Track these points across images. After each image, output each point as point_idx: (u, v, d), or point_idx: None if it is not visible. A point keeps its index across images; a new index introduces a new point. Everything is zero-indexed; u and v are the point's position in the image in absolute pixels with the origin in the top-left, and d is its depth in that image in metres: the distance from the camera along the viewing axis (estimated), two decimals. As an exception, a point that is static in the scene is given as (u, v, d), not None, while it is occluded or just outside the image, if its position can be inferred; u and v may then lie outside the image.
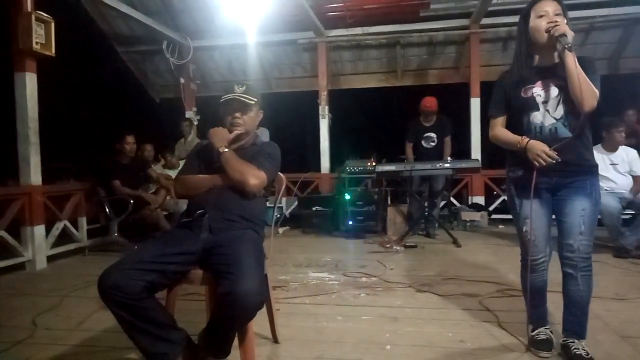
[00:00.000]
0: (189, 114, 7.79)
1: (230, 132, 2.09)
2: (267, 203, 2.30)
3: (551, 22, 1.93)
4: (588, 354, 1.98)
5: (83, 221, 5.04)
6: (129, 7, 6.07)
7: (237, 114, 2.10)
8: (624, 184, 4.31)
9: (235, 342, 1.78)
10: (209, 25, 7.15)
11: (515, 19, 6.45)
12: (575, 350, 2.01)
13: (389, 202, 6.25)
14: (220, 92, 2.16)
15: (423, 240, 5.37)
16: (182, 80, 7.77)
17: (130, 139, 5.03)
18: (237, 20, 6.60)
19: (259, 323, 2.17)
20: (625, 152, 4.39)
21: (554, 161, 1.94)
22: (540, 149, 1.95)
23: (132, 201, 4.72)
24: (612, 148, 4.35)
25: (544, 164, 1.94)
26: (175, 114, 7.88)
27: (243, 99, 2.09)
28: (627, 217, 4.44)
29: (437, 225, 5.58)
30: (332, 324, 2.58)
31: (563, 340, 2.09)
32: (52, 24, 4.27)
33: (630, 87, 6.57)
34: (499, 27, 6.83)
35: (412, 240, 5.15)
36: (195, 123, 7.61)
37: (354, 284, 3.42)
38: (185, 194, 2.06)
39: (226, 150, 1.99)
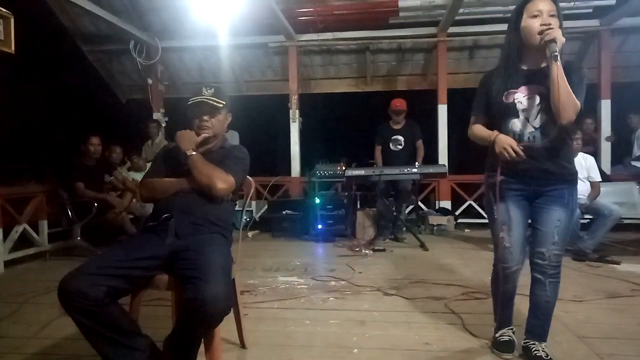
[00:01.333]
0: (156, 115, 7.64)
1: (198, 135, 2.06)
2: (236, 207, 2.29)
3: (544, 24, 1.84)
4: (547, 355, 2.05)
5: (44, 225, 4.85)
6: (95, 5, 5.91)
7: (205, 117, 2.08)
8: (582, 190, 4.48)
9: (202, 348, 1.76)
10: (178, 25, 7.05)
11: (482, 28, 6.61)
12: (535, 352, 2.07)
13: (359, 206, 6.30)
14: (189, 94, 2.13)
15: (391, 244, 5.43)
16: (149, 81, 7.62)
17: (95, 140, 4.89)
18: (207, 22, 6.53)
19: (226, 328, 2.15)
20: (583, 159, 4.58)
21: (519, 158, 1.92)
22: (507, 143, 1.93)
23: (96, 204, 4.59)
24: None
25: (509, 158, 1.93)
26: (142, 116, 7.72)
27: (211, 102, 2.07)
28: (585, 221, 4.62)
29: (405, 229, 5.66)
30: (300, 328, 2.57)
31: (524, 342, 2.15)
32: (12, 20, 4.09)
33: (588, 96, 6.80)
34: (465, 36, 7.02)
35: (381, 244, 5.21)
36: (163, 125, 7.49)
37: (322, 288, 3.43)
38: (151, 197, 2.02)
39: (193, 153, 1.97)
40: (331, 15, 6.67)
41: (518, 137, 1.99)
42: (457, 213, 6.72)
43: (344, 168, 5.84)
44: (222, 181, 1.93)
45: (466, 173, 6.91)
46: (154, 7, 6.93)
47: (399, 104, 5.71)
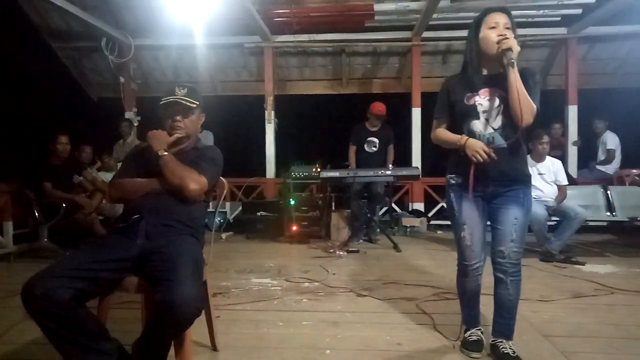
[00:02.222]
0: (128, 114, 7.50)
1: (171, 135, 2.03)
2: (209, 208, 2.26)
3: (501, 35, 1.98)
4: (515, 352, 2.10)
5: (9, 226, 4.70)
6: (65, 1, 5.77)
7: (178, 117, 2.05)
8: (549, 193, 4.63)
9: (171, 351, 1.73)
10: (152, 24, 6.93)
11: (455, 33, 6.75)
12: (503, 349, 2.12)
13: (333, 208, 6.33)
14: (163, 93, 2.10)
15: (365, 245, 5.48)
16: (121, 80, 7.49)
17: (63, 138, 4.76)
18: (182, 21, 6.44)
19: (197, 331, 2.13)
20: (551, 163, 4.72)
21: (491, 159, 2.00)
22: (479, 146, 2.01)
23: (64, 205, 4.47)
24: (539, 159, 4.66)
25: (482, 160, 2.00)
26: (114, 114, 7.56)
27: (184, 102, 2.04)
28: (552, 223, 4.76)
29: (378, 230, 5.72)
30: (273, 330, 2.57)
31: (492, 341, 2.20)
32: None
33: (555, 102, 7.08)
34: (439, 40, 7.16)
35: (355, 245, 5.24)
36: (136, 124, 7.36)
37: (296, 290, 3.43)
38: (121, 198, 1.98)
39: (165, 153, 1.94)
40: (307, 17, 6.69)
41: (478, 138, 2.08)
42: (429, 215, 6.83)
43: (319, 170, 5.86)
44: (195, 182, 1.91)
45: (439, 175, 7.03)
46: (128, 5, 6.81)
47: (381, 109, 5.77)
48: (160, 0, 6.15)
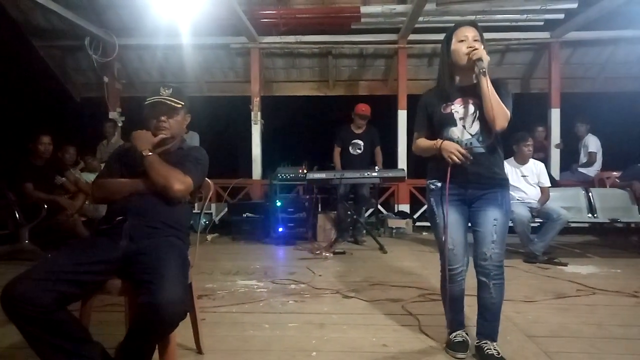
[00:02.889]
0: (112, 114, 7.41)
1: (156, 135, 2.01)
2: (195, 209, 2.24)
3: (470, 47, 2.08)
4: (499, 353, 2.12)
5: (-12, 227, 4.60)
6: (48, -1, 5.68)
7: (163, 118, 2.03)
8: (533, 194, 4.69)
9: (156, 354, 1.71)
10: (136, 23, 6.86)
11: (440, 37, 6.82)
12: (487, 350, 2.14)
13: (320, 209, 6.33)
14: (148, 93, 2.08)
15: (351, 246, 5.49)
16: (105, 79, 7.39)
17: (45, 139, 4.68)
18: (168, 20, 6.38)
19: (182, 334, 2.10)
20: (534, 165, 4.79)
21: (467, 160, 2.07)
22: (454, 147, 2.09)
23: (45, 206, 4.39)
24: (522, 161, 4.73)
25: (458, 161, 2.07)
26: (97, 115, 7.46)
27: (169, 102, 2.03)
28: (535, 225, 4.83)
29: (364, 232, 5.74)
30: (259, 333, 2.55)
31: (477, 343, 2.22)
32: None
33: (539, 105, 7.19)
34: (425, 43, 7.22)
35: (341, 247, 5.25)
36: (120, 124, 7.28)
37: (282, 291, 3.42)
38: (104, 198, 1.95)
39: (150, 154, 1.92)
40: (294, 19, 6.69)
41: (457, 143, 2.14)
42: (415, 216, 6.88)
43: (305, 171, 5.86)
44: (180, 182, 1.89)
45: (425, 177, 7.06)
46: (112, 4, 6.73)
47: (365, 109, 5.81)
48: (146, 0, 6.08)
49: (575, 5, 6.17)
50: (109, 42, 7.07)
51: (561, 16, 6.49)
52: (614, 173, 6.14)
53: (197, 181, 2.01)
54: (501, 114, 2.03)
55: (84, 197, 4.87)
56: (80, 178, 5.23)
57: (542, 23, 6.72)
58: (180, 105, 2.06)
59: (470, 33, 2.13)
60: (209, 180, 2.21)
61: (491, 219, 2.12)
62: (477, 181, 2.15)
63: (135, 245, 1.78)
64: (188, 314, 1.79)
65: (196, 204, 2.29)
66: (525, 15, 6.45)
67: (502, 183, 2.19)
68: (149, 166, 1.89)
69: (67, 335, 1.57)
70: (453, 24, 2.23)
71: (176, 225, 1.93)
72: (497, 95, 2.04)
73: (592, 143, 6.75)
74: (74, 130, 7.83)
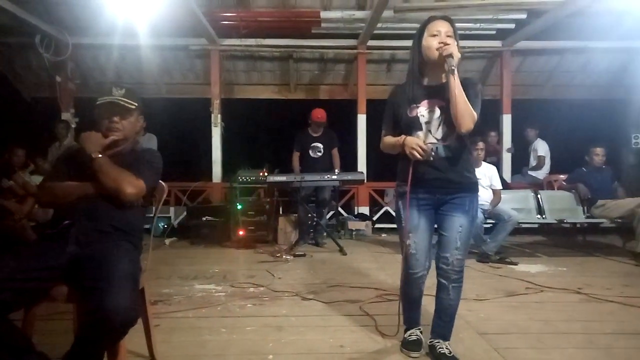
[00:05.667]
0: (65, 115, 7.14)
1: (107, 137, 1.96)
2: (151, 213, 2.19)
3: (442, 42, 2.01)
4: (451, 352, 2.18)
5: None
6: (-8, -7, 5.42)
7: (116, 119, 1.98)
8: (485, 197, 4.86)
9: (106, 362, 1.67)
10: (91, 21, 6.61)
11: (398, 43, 6.96)
12: (440, 349, 2.19)
13: (281, 212, 6.32)
14: (99, 93, 2.02)
15: (312, 249, 5.51)
16: (58, 79, 7.11)
17: (-10, 140, 4.46)
18: (124, 19, 6.19)
19: (134, 341, 2.07)
20: (487, 168, 4.98)
21: (428, 156, 2.04)
22: (415, 143, 2.03)
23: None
24: (476, 164, 4.89)
25: (419, 157, 2.03)
26: (49, 115, 7.16)
27: (123, 103, 1.97)
28: (488, 226, 5.01)
29: (325, 234, 5.77)
30: (215, 337, 2.52)
31: (430, 341, 2.27)
32: None
33: (491, 111, 7.47)
34: (383, 49, 7.35)
35: (302, 250, 5.26)
36: (73, 126, 7.01)
37: (241, 295, 3.39)
38: (51, 202, 1.88)
39: (99, 156, 1.86)
40: (255, 22, 6.66)
41: None
42: (374, 218, 6.98)
43: (266, 174, 5.84)
44: (131, 186, 1.84)
45: (384, 180, 7.21)
46: (64, 1, 6.47)
47: (321, 115, 5.86)
48: (100, -2, 5.89)
49: (524, 16, 6.46)
50: (62, 40, 6.81)
51: (512, 26, 6.78)
52: (561, 176, 6.45)
53: (150, 184, 1.96)
54: (467, 114, 1.97)
55: (33, 201, 4.67)
56: (29, 181, 5.01)
57: (494, 32, 6.99)
58: (133, 107, 2.02)
59: (443, 28, 2.05)
60: (163, 183, 2.16)
61: (457, 225, 2.12)
62: (445, 186, 2.12)
63: (83, 250, 1.72)
64: (140, 320, 1.75)
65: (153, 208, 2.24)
66: (479, 25, 6.69)
67: (472, 187, 2.17)
68: (99, 169, 1.84)
69: (8, 347, 1.51)
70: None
71: (127, 229, 1.88)
72: (464, 95, 1.97)
73: (541, 147, 7.09)
74: (24, 131, 7.47)
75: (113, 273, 1.58)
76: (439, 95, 2.09)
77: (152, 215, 2.33)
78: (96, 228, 1.79)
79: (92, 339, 1.56)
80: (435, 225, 2.25)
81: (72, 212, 1.80)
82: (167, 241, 5.94)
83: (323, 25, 6.67)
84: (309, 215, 5.67)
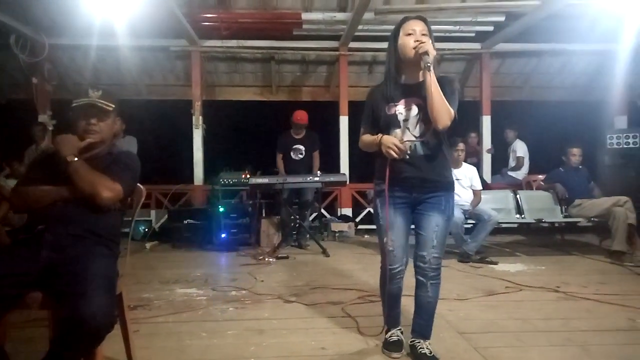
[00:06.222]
0: (42, 117, 6.98)
1: (83, 139, 1.92)
2: (130, 217, 2.15)
3: (417, 40, 2.05)
4: (431, 352, 2.20)
5: None
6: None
7: (93, 121, 1.95)
8: (466, 197, 4.93)
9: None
10: (68, 22, 6.47)
11: (380, 45, 7.00)
12: (420, 349, 2.21)
13: (264, 215, 6.30)
14: (75, 95, 1.99)
15: (295, 251, 5.51)
16: (34, 80, 6.94)
17: (-38, 144, 4.34)
18: (102, 20, 6.08)
19: (112, 347, 2.03)
20: (467, 169, 5.04)
21: (404, 154, 2.06)
22: (391, 142, 2.06)
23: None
24: (455, 165, 4.94)
25: (395, 155, 2.05)
26: (26, 118, 7.00)
27: (100, 105, 1.95)
28: (468, 226, 5.07)
29: (308, 236, 5.77)
30: (196, 342, 2.50)
31: (411, 341, 2.28)
32: None
33: (471, 113, 7.57)
34: (365, 51, 7.38)
35: (285, 252, 5.25)
36: (50, 128, 6.86)
37: (222, 299, 3.36)
38: (25, 206, 1.83)
39: (75, 159, 1.82)
40: (236, 23, 6.61)
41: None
42: (357, 220, 7.00)
43: (248, 176, 5.81)
44: (108, 189, 1.81)
45: (367, 181, 7.23)
46: (41, 1, 6.33)
47: (301, 117, 5.87)
48: (77, -2, 5.78)
49: (502, 19, 6.56)
50: (38, 41, 6.67)
51: (490, 28, 6.87)
52: (540, 176, 6.56)
53: (127, 188, 1.93)
54: (444, 111, 1.99)
55: (7, 205, 4.54)
56: (4, 185, 4.88)
57: (473, 35, 7.08)
58: (111, 108, 1.99)
59: (418, 27, 2.10)
60: (141, 186, 2.13)
61: (433, 224, 2.15)
62: (422, 185, 2.15)
63: (58, 255, 1.69)
64: (118, 326, 1.72)
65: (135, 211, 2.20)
66: (458, 27, 6.76)
67: (448, 187, 2.21)
68: (74, 173, 1.80)
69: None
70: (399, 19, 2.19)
71: (104, 233, 1.85)
72: (441, 93, 2.00)
73: (520, 148, 7.21)
74: (-2, 134, 7.31)
75: (88, 278, 1.55)
76: (417, 94, 2.12)
77: (130, 219, 2.30)
78: (71, 233, 1.76)
79: (67, 346, 1.53)
80: (413, 226, 2.28)
81: (46, 217, 1.76)
82: (148, 245, 5.85)
83: (304, 26, 6.66)
84: (292, 217, 5.66)
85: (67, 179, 1.82)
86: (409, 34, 2.10)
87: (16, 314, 1.75)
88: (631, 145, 6.04)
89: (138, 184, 2.09)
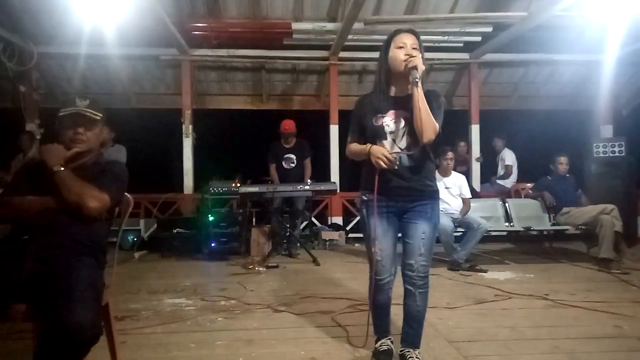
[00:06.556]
0: (30, 126, 6.93)
1: (69, 149, 1.91)
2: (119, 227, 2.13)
3: (408, 54, 2.08)
4: (420, 361, 2.20)
5: None
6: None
7: (81, 130, 1.94)
8: (455, 205, 4.95)
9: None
10: (57, 30, 6.45)
11: (369, 54, 7.06)
12: (410, 358, 2.21)
13: (254, 223, 6.28)
14: (62, 104, 1.98)
15: (285, 260, 5.49)
16: (22, 89, 6.90)
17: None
18: (91, 28, 6.06)
19: (99, 359, 2.00)
20: (456, 178, 5.08)
21: (393, 165, 2.07)
22: (380, 152, 2.07)
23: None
24: (445, 173, 4.99)
25: (384, 166, 2.06)
26: (13, 126, 6.93)
27: (88, 114, 1.94)
28: (458, 234, 5.09)
29: (298, 245, 5.76)
30: (184, 353, 2.47)
31: (400, 351, 2.28)
32: None
33: (460, 122, 7.64)
34: (355, 61, 7.44)
35: (275, 261, 5.22)
36: (38, 137, 6.80)
37: (211, 309, 3.34)
38: (10, 217, 1.81)
39: (62, 169, 1.81)
40: (226, 32, 6.64)
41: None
42: (347, 228, 7.00)
43: (238, 185, 5.79)
44: (95, 199, 1.79)
45: (357, 190, 7.21)
46: (28, 9, 6.30)
47: (288, 127, 5.89)
48: (66, 6, 5.75)
49: (490, 30, 6.66)
50: (26, 49, 6.63)
51: (478, 39, 6.97)
52: (528, 184, 6.62)
53: (114, 198, 1.91)
54: (429, 125, 2.02)
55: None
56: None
57: (461, 45, 7.18)
58: (98, 117, 1.98)
59: (409, 40, 2.13)
60: (129, 196, 2.12)
61: (420, 232, 2.17)
62: (408, 194, 2.17)
63: (42, 266, 1.67)
64: (104, 337, 1.70)
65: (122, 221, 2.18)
66: (447, 37, 6.85)
67: (433, 195, 2.23)
68: (60, 182, 1.79)
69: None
70: (390, 33, 2.21)
71: (89, 243, 1.83)
72: (427, 107, 2.02)
73: (509, 157, 7.29)
74: (-16, 143, 7.22)
75: (73, 289, 1.53)
76: (405, 106, 2.14)
77: (117, 228, 2.28)
78: (56, 243, 1.74)
79: (52, 358, 1.50)
80: (400, 234, 2.28)
81: (31, 227, 1.74)
82: (137, 254, 5.79)
83: (295, 36, 6.71)
84: (282, 226, 5.65)
85: (54, 189, 1.80)
86: (400, 47, 2.13)
87: None
88: (617, 154, 6.13)
89: (126, 194, 2.08)
